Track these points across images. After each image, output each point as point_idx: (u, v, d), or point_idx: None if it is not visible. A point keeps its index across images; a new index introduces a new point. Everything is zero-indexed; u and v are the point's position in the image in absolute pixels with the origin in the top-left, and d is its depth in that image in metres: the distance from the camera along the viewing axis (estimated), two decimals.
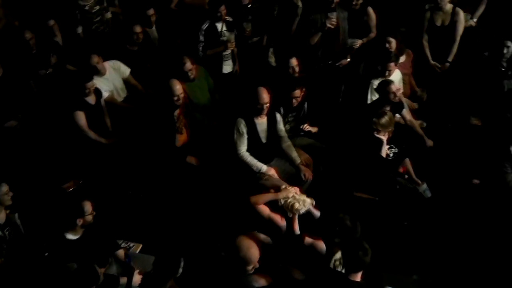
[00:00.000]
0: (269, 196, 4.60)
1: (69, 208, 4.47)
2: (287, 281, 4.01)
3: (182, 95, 5.56)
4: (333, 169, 5.70)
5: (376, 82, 5.94)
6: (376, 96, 5.92)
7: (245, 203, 4.64)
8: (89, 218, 4.44)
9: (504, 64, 6.19)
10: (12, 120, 6.00)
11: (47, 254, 4.55)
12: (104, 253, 4.55)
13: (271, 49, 6.88)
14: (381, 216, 5.23)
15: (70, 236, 4.43)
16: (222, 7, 6.48)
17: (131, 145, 5.77)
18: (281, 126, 5.58)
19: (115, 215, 5.25)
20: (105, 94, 6.08)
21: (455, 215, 5.31)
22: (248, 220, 4.68)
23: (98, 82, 6.00)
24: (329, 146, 5.87)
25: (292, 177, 5.40)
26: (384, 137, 5.30)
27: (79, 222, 4.40)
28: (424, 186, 5.51)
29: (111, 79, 6.20)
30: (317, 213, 4.60)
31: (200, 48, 6.55)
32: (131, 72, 6.35)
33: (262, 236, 4.35)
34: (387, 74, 5.97)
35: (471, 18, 6.82)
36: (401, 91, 6.17)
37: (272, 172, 5.34)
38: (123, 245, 4.91)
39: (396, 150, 5.54)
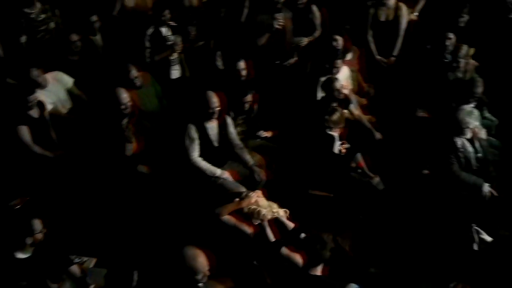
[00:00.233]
0: (233, 206, 4.53)
1: (17, 227, 4.29)
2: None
3: (129, 103, 5.46)
4: (286, 168, 5.70)
5: (323, 80, 5.97)
6: (324, 94, 5.96)
7: (206, 212, 4.59)
8: (39, 236, 4.27)
9: (448, 56, 6.32)
10: None
11: None
12: (57, 269, 4.39)
13: (218, 52, 6.84)
14: (337, 212, 5.26)
15: (20, 255, 4.25)
16: (166, 12, 6.41)
17: (78, 157, 5.61)
18: (232, 129, 5.54)
19: (66, 230, 5.07)
20: (49, 107, 5.89)
21: (408, 205, 5.39)
22: (203, 228, 4.64)
23: (40, 95, 5.79)
24: (281, 146, 5.87)
25: (246, 179, 5.37)
26: (336, 134, 5.33)
27: (29, 240, 4.23)
28: (377, 179, 5.57)
29: (54, 90, 6.00)
30: (290, 225, 4.53)
31: (147, 54, 6.45)
32: (74, 82, 6.17)
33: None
34: (334, 71, 6.02)
35: (412, 12, 6.96)
36: (350, 87, 6.26)
37: (227, 175, 5.30)
38: (76, 260, 4.77)
39: (348, 145, 5.57)
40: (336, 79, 5.77)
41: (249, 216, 4.45)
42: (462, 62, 6.18)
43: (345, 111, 5.80)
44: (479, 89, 5.77)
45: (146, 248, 4.99)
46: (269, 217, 4.40)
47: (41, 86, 5.88)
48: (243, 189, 4.75)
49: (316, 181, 5.44)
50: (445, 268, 4.54)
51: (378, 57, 6.75)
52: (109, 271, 4.33)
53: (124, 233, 5.22)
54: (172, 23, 6.54)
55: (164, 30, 6.50)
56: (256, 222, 4.41)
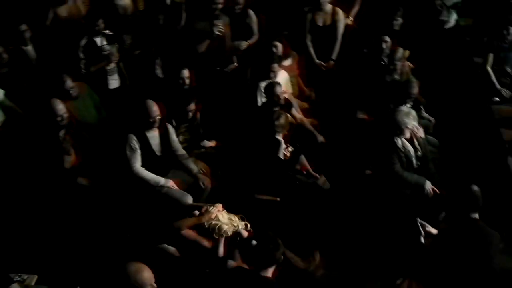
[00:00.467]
0: (192, 221, 4.41)
1: None
2: None
3: (65, 115, 5.30)
4: (232, 174, 5.66)
5: (263, 85, 6.01)
6: (265, 99, 5.98)
7: (159, 225, 4.51)
8: None
9: (385, 59, 6.46)
10: None
11: None
12: None
13: (157, 61, 6.73)
14: (284, 215, 5.25)
15: None
16: (100, 21, 6.24)
17: (14, 171, 5.38)
18: (174, 137, 5.46)
19: (5, 248, 4.87)
20: None
21: (353, 204, 5.46)
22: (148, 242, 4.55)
23: None
24: (226, 152, 5.82)
25: (191, 187, 5.31)
26: (281, 138, 5.34)
27: None
28: (323, 178, 5.60)
29: None
30: (244, 233, 4.41)
31: (82, 66, 6.27)
32: (6, 95, 5.90)
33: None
34: (272, 75, 6.04)
35: (347, 17, 7.09)
36: (290, 91, 6.30)
37: (171, 183, 5.21)
38: (16, 278, 4.54)
39: (291, 148, 5.59)
40: (277, 83, 5.79)
41: (209, 231, 4.34)
42: (398, 64, 6.32)
43: (288, 115, 5.82)
44: (415, 90, 5.92)
45: (89, 263, 4.83)
46: (230, 233, 4.31)
47: None
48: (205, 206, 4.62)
49: (262, 186, 5.41)
50: (392, 265, 4.60)
51: (317, 61, 6.83)
52: None
53: (66, 248, 5.03)
54: (107, 31, 6.38)
55: (99, 40, 6.34)
56: (217, 237, 4.31)
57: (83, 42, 6.27)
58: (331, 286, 4.51)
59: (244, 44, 6.74)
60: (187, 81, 6.00)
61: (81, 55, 6.27)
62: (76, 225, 5.17)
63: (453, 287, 3.96)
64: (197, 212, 4.45)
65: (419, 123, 5.50)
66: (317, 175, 5.58)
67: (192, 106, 5.58)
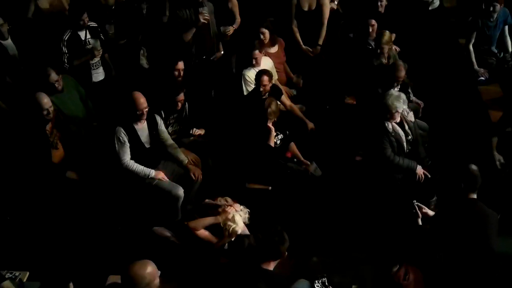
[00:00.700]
0: (209, 221, 4.45)
1: None
2: None
3: (51, 108, 5.19)
4: (222, 164, 5.64)
5: (247, 73, 5.99)
6: (250, 87, 5.95)
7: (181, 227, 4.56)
8: None
9: (371, 43, 6.44)
10: None
11: None
12: None
13: (141, 51, 6.64)
14: (276, 203, 5.25)
15: None
16: (85, 15, 6.10)
17: (2, 167, 5.29)
18: (163, 128, 5.40)
19: None
20: None
21: (347, 190, 5.47)
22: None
23: None
24: (215, 141, 5.79)
25: (182, 178, 5.28)
26: (271, 125, 5.32)
27: None
28: (314, 165, 5.59)
29: None
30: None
31: (65, 60, 6.12)
32: None
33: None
34: (254, 62, 5.99)
35: (332, 1, 7.05)
36: (275, 78, 6.25)
37: (161, 175, 5.17)
38: (8, 275, 4.49)
39: (281, 136, 5.56)
40: (265, 71, 5.73)
41: (223, 230, 4.40)
42: (385, 48, 6.29)
43: (278, 102, 5.78)
44: (402, 73, 5.88)
45: (81, 258, 4.81)
46: (239, 232, 4.38)
47: None
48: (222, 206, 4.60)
49: (253, 175, 5.39)
50: (387, 251, 4.62)
51: (304, 47, 6.79)
52: (43, 284, 4.13)
53: (57, 243, 5.00)
54: (92, 23, 6.26)
55: (83, 34, 6.19)
56: (227, 235, 4.37)
57: (66, 36, 6.13)
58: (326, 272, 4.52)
59: (231, 29, 6.67)
60: (182, 73, 5.91)
61: (64, 49, 6.13)
62: (66, 220, 5.14)
63: (450, 272, 3.97)
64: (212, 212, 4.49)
65: (409, 107, 5.51)
66: (308, 162, 5.56)
67: (181, 97, 5.52)
